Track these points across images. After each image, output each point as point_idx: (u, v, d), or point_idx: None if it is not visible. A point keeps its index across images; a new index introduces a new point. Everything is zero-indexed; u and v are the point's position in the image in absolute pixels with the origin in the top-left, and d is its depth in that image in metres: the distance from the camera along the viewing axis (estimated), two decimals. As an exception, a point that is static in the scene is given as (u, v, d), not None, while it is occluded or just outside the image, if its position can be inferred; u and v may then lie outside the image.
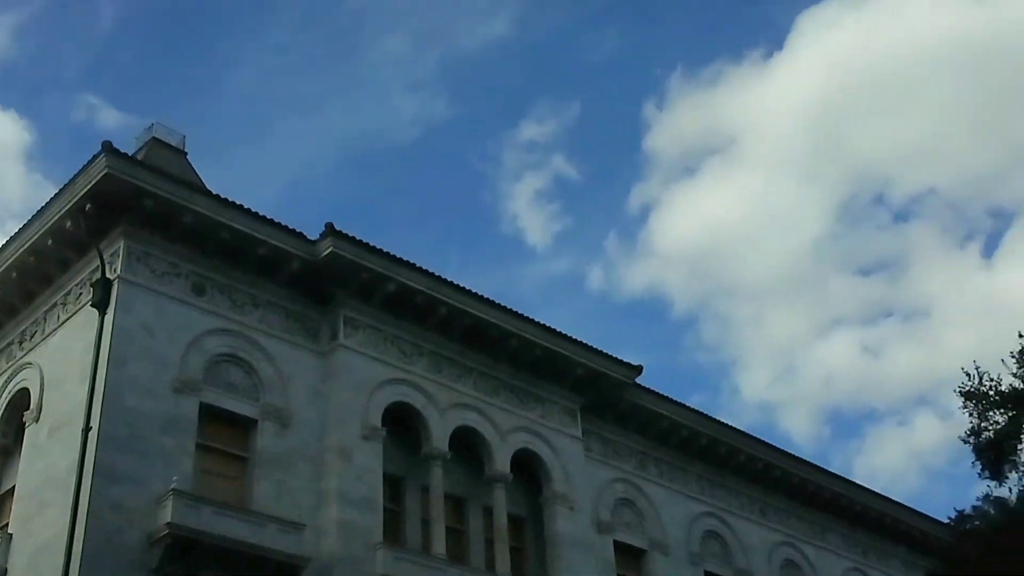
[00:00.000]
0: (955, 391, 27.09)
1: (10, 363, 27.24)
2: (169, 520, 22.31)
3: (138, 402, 23.71)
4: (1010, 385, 26.29)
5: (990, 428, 26.25)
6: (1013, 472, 26.53)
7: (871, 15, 79.40)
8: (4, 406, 26.63)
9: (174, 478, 22.99)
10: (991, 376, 26.74)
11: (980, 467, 27.00)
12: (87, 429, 22.96)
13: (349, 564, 25.03)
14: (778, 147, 78.14)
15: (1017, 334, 26.69)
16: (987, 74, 75.49)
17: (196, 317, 25.70)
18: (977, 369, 26.97)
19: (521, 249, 77.99)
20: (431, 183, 78.72)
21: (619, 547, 32.82)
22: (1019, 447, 25.99)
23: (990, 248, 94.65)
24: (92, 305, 24.58)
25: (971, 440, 26.85)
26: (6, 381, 26.92)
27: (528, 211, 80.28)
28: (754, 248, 79.76)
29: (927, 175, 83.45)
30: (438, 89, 79.41)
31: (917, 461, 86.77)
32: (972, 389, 26.86)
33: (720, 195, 79.07)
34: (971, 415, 26.79)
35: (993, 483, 27.25)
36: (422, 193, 77.43)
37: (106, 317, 24.29)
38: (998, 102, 76.64)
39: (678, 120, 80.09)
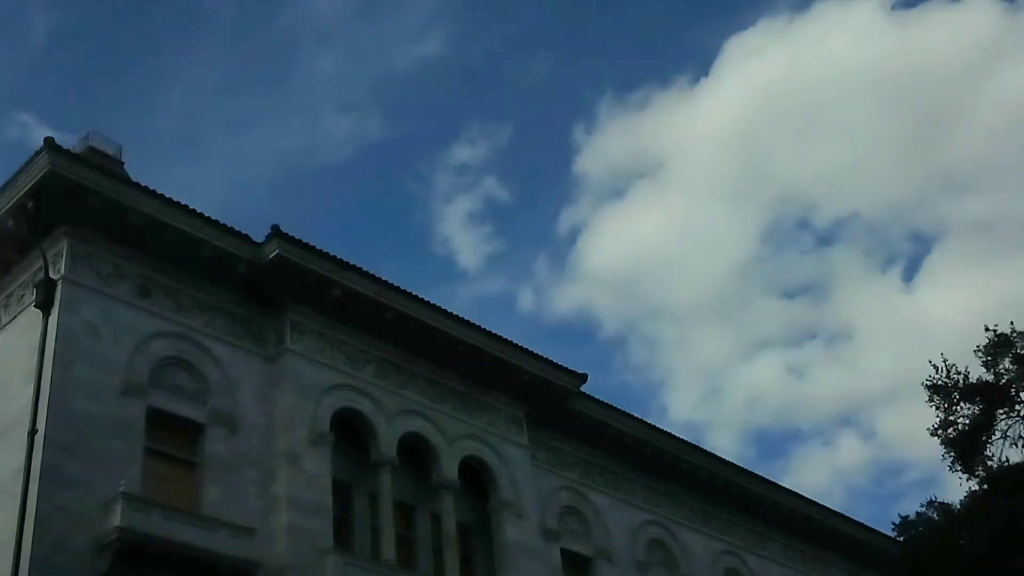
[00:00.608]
0: (923, 384, 27.46)
1: (-51, 368, 26.34)
2: (118, 524, 21.71)
3: (85, 405, 23.08)
4: (979, 378, 26.68)
5: (959, 420, 26.60)
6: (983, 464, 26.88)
7: (795, 42, 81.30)
8: (-58, 412, 25.70)
9: (123, 482, 22.38)
10: (959, 369, 27.16)
11: (951, 459, 27.31)
12: (33, 432, 22.27)
13: (300, 570, 24.59)
14: (704, 171, 79.56)
15: (983, 327, 27.25)
16: (908, 101, 77.70)
17: (142, 319, 25.13)
18: (945, 362, 27.37)
19: (453, 270, 78.02)
20: (364, 203, 78.70)
21: (566, 555, 32.73)
22: (992, 438, 26.36)
23: (910, 272, 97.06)
24: (36, 306, 23.88)
25: (940, 433, 27.18)
26: (-56, 386, 26.01)
27: (460, 232, 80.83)
28: (681, 270, 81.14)
29: (850, 199, 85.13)
30: (370, 109, 79.37)
31: (841, 479, 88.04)
32: (940, 382, 27.24)
33: (648, 218, 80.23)
34: (938, 408, 27.14)
35: (964, 475, 27.52)
36: (355, 213, 77.06)
37: (50, 318, 23.63)
38: (919, 128, 78.92)
39: (607, 143, 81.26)
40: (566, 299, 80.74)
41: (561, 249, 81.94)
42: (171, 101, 75.08)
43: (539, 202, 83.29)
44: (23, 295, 25.08)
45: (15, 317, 25.00)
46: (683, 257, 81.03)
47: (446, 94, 79.91)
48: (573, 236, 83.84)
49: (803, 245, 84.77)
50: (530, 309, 79.08)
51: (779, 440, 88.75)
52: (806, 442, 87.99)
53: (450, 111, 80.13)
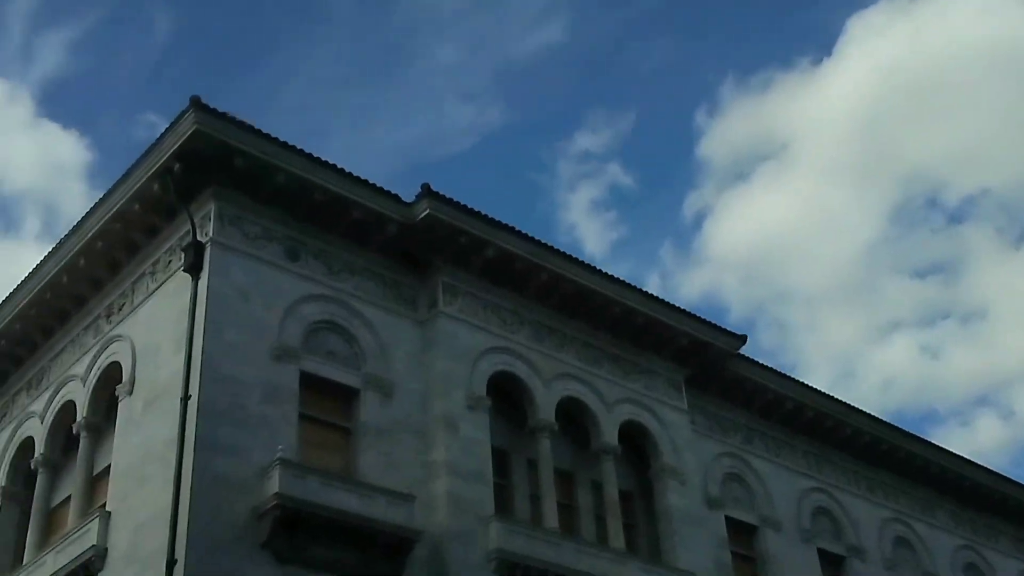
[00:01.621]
0: None
1: (97, 338, 26.08)
2: (277, 491, 20.96)
3: (237, 370, 22.40)
4: None
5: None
6: None
7: (919, 20, 78.55)
8: (94, 382, 25.41)
9: (279, 448, 21.66)
10: None
11: None
12: (186, 399, 21.66)
13: (461, 537, 23.60)
14: (830, 152, 77.43)
15: None
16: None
17: (292, 283, 24.38)
18: None
19: (580, 258, 77.13)
20: (487, 192, 78.59)
21: (730, 523, 31.19)
22: None
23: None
24: (184, 270, 23.30)
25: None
26: (95, 357, 25.74)
27: (585, 220, 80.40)
28: (809, 253, 79.83)
29: (980, 177, 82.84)
30: (491, 98, 78.75)
31: (980, 461, 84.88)
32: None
33: (773, 201, 78.54)
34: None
35: None
36: (478, 202, 76.29)
37: (199, 283, 23.01)
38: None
39: (730, 127, 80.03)
40: (693, 284, 79.79)
41: (686, 234, 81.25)
42: (292, 97, 75.65)
43: (663, 188, 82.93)
44: (170, 261, 24.58)
45: (163, 283, 24.49)
46: (811, 239, 79.47)
47: (567, 81, 79.29)
48: (698, 221, 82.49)
49: (933, 224, 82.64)
50: (657, 295, 77.73)
51: (915, 422, 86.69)
52: (943, 423, 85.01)
53: (571, 98, 79.66)
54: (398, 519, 22.46)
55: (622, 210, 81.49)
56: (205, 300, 22.61)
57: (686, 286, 79.71)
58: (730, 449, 32.69)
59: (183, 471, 20.87)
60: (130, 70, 78.35)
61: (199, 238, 23.45)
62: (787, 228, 77.94)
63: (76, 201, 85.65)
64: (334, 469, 22.99)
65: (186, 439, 21.19)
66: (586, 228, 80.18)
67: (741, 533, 31.62)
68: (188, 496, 20.52)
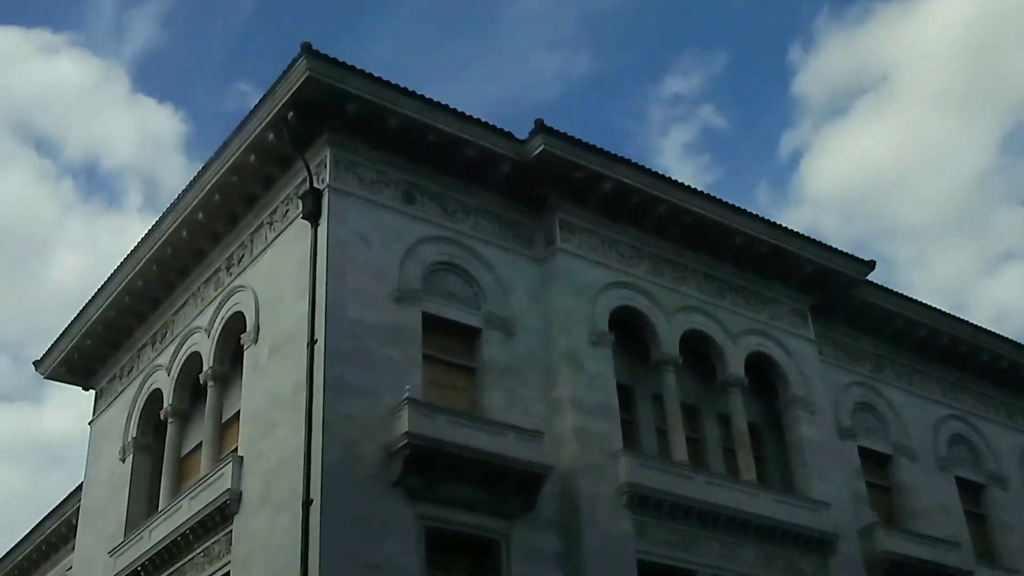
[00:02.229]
0: None
1: (219, 290, 26.38)
2: (407, 430, 20.95)
3: (361, 313, 22.41)
4: None
5: None
6: None
7: None
8: (219, 333, 25.75)
9: (407, 388, 21.63)
10: None
11: None
12: (312, 343, 21.75)
13: (590, 472, 23.36)
14: (933, 81, 74.35)
15: None
16: None
17: (409, 225, 24.27)
18: None
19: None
20: (578, 140, 77.30)
21: (863, 453, 30.43)
22: None
23: None
24: (303, 218, 23.34)
25: None
26: (217, 308, 26.06)
27: (678, 164, 78.85)
28: (913, 186, 77.06)
29: None
30: (579, 45, 77.66)
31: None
32: None
33: (874, 135, 75.71)
34: None
35: None
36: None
37: (319, 229, 23.04)
38: None
39: (826, 61, 77.22)
40: (792, 223, 77.25)
41: (783, 173, 79.51)
42: (381, 56, 75.62)
43: (758, 127, 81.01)
44: (287, 210, 24.66)
45: (281, 233, 24.59)
46: (915, 172, 76.63)
47: (655, 24, 77.83)
48: (795, 159, 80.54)
49: None
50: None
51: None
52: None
53: (660, 41, 78.19)
54: (527, 455, 22.30)
55: (716, 152, 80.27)
56: (326, 246, 22.61)
57: (786, 225, 78.55)
58: (860, 378, 31.86)
59: (313, 414, 20.98)
60: (218, 41, 79.41)
61: (316, 185, 23.43)
62: (889, 162, 75.47)
63: (175, 173, 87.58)
64: (460, 408, 22.83)
65: (314, 382, 21.27)
66: (679, 172, 79.28)
67: (875, 463, 30.87)
68: (319, 438, 20.63)
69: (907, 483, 30.99)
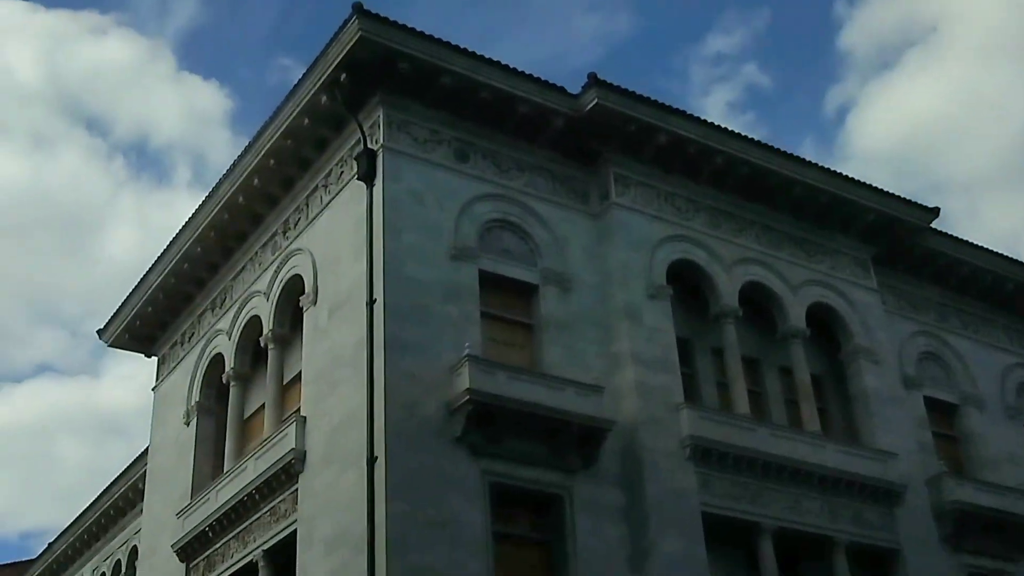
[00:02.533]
0: None
1: (276, 254, 26.52)
2: (468, 387, 20.96)
3: (418, 271, 22.42)
4: None
5: None
6: None
7: None
8: (278, 296, 25.91)
9: (467, 344, 21.65)
10: None
11: None
12: (371, 302, 21.81)
13: (651, 426, 23.25)
14: (982, 32, 72.66)
15: None
16: None
17: (463, 183, 24.20)
18: None
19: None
20: (620, 102, 76.47)
21: (929, 403, 30.00)
22: None
23: None
24: (358, 179, 23.36)
25: None
26: (276, 271, 26.21)
27: (722, 123, 77.31)
28: (964, 139, 75.53)
29: None
30: (618, 5, 76.64)
31: None
32: None
33: (922, 88, 74.78)
34: None
35: None
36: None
37: (374, 189, 23.04)
38: None
39: (872, 14, 75.95)
40: None
41: (829, 130, 78.81)
42: (420, 21, 75.09)
43: (802, 84, 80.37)
44: (341, 172, 24.68)
45: (336, 195, 24.63)
46: (965, 125, 75.00)
47: None
48: (841, 115, 79.65)
49: None
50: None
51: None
52: None
53: (701, 0, 76.90)
54: (587, 410, 22.26)
55: (760, 110, 79.68)
56: (382, 206, 22.62)
57: (832, 182, 77.62)
58: (924, 328, 31.40)
59: (374, 372, 21.06)
60: (260, 16, 79.70)
61: (370, 146, 23.39)
62: (939, 115, 74.26)
63: (221, 148, 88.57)
64: (518, 365, 22.82)
65: (375, 341, 21.34)
66: (724, 131, 78.17)
67: (941, 413, 30.44)
68: (381, 395, 20.70)
69: (975, 432, 30.57)
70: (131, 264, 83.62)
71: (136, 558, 34.18)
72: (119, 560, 36.37)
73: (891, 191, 29.71)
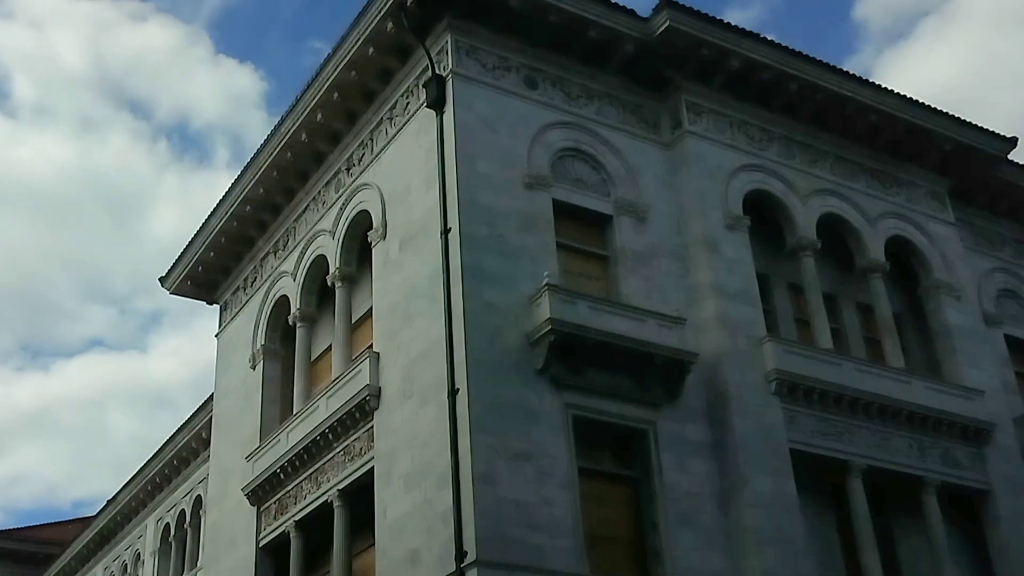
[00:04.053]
0: None
1: (340, 191, 25.85)
2: (549, 316, 20.24)
3: (493, 200, 21.66)
4: None
5: None
6: None
7: None
8: (344, 233, 25.25)
9: (546, 274, 20.92)
10: None
11: None
12: (446, 232, 21.09)
13: (736, 359, 22.46)
14: (997, 0, 71.64)
15: None
16: None
17: (533, 111, 23.39)
18: None
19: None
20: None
21: (1009, 342, 29.03)
22: None
23: None
24: (428, 106, 22.59)
25: None
26: (341, 209, 25.55)
27: None
28: (981, 107, 73.84)
29: None
30: None
31: None
32: None
33: (938, 57, 73.54)
34: None
35: None
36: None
37: (444, 116, 22.27)
38: None
39: None
40: None
41: None
42: None
43: (818, 55, 77.65)
44: (407, 103, 23.95)
45: (403, 126, 23.89)
46: (982, 92, 73.38)
47: None
48: None
49: None
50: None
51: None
52: None
53: None
54: (670, 341, 21.51)
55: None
56: (453, 133, 21.85)
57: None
58: (1002, 264, 30.43)
59: (452, 303, 20.37)
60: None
61: (438, 72, 22.61)
62: (955, 83, 72.73)
63: (257, 129, 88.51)
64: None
65: (451, 271, 20.65)
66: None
67: (1021, 352, 29.46)
68: (461, 326, 20.00)
69: (1055, 372, 29.58)
70: (176, 242, 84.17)
71: (201, 507, 33.88)
72: (183, 510, 36.06)
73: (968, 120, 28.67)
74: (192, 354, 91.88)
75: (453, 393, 19.57)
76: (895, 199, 27.77)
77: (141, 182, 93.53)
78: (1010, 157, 29.80)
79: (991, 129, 29.07)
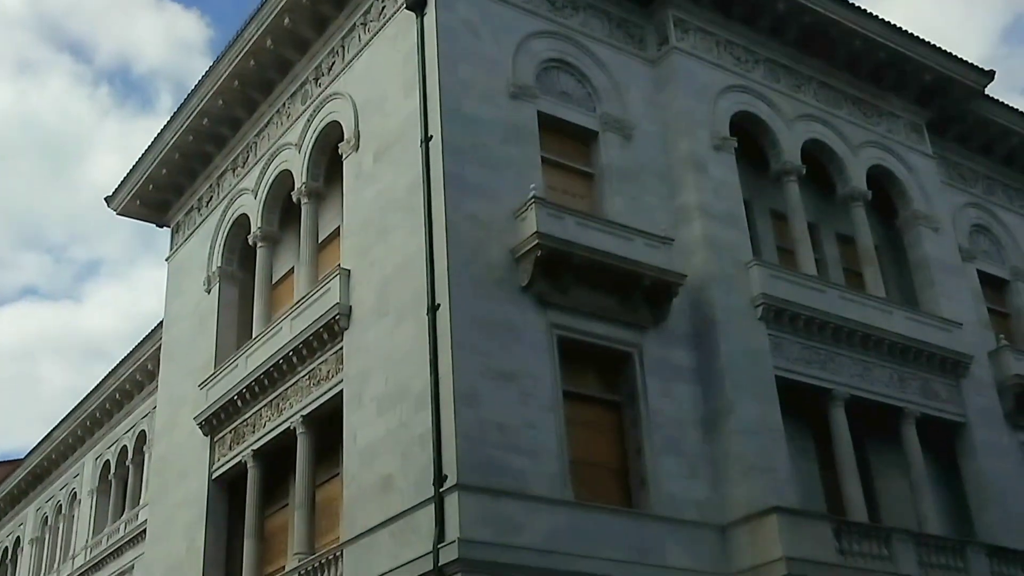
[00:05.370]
0: None
1: (307, 103, 24.44)
2: (536, 230, 19.15)
3: (476, 108, 20.45)
4: None
5: None
6: None
7: None
8: (311, 146, 23.87)
9: (532, 187, 19.81)
10: None
11: None
12: (427, 140, 19.85)
13: (722, 282, 21.59)
14: None
15: None
16: None
17: (518, 17, 22.16)
18: None
19: None
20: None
21: (981, 277, 28.56)
22: None
23: None
24: (407, 8, 21.27)
25: None
26: (308, 120, 24.13)
27: None
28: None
29: None
30: None
31: None
32: None
33: None
34: None
35: None
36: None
37: (426, 18, 20.94)
38: None
39: None
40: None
41: None
42: None
43: None
44: (383, 6, 22.64)
45: (378, 32, 22.56)
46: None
47: None
48: None
49: None
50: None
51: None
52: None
53: None
54: (658, 262, 20.57)
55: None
56: (435, 35, 20.56)
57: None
58: (974, 199, 29.94)
59: (433, 214, 19.19)
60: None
61: (417, -28, 21.26)
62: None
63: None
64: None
65: (432, 181, 19.44)
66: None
67: (992, 288, 29.05)
68: (442, 239, 18.84)
69: (1025, 309, 29.23)
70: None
71: (144, 443, 32.46)
72: (125, 446, 34.57)
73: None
74: (129, 305, 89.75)
75: (433, 309, 18.44)
76: (876, 128, 27.05)
77: (80, 127, 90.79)
78: (987, 92, 29.12)
79: (970, 61, 28.41)
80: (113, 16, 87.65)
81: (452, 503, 16.90)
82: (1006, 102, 30.45)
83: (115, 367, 34.32)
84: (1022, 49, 76.19)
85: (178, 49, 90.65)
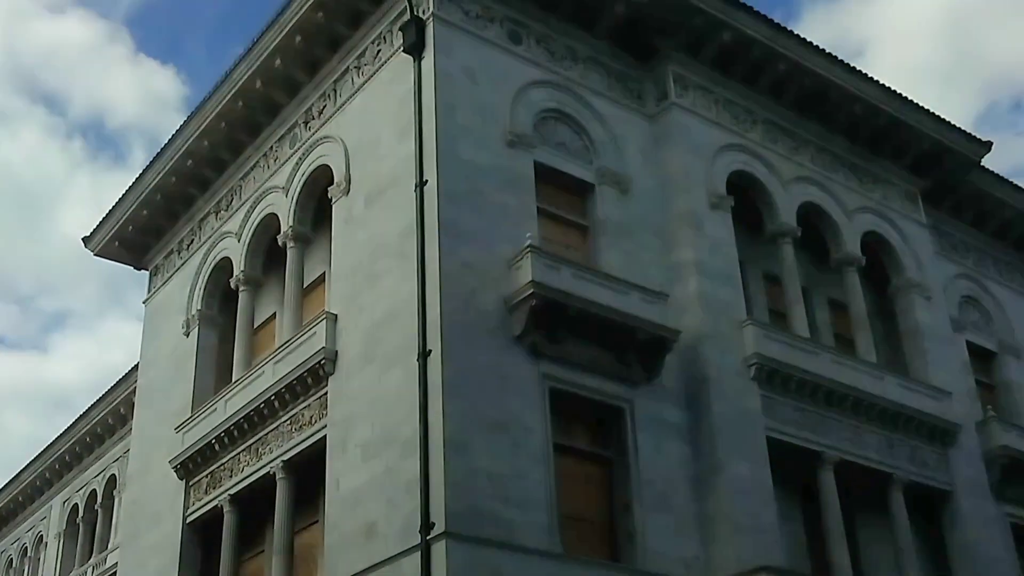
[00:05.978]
0: None
1: (296, 146, 23.98)
2: (531, 279, 18.70)
3: (473, 154, 20.06)
4: None
5: None
6: None
7: None
8: (299, 190, 23.39)
9: (528, 235, 19.39)
10: None
11: None
12: (421, 184, 19.42)
13: (716, 341, 21.19)
14: (909, 57, 74.13)
15: None
16: None
17: (517, 66, 21.86)
18: None
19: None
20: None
21: (970, 348, 28.31)
22: None
23: None
24: (405, 51, 20.93)
25: None
26: (297, 164, 23.67)
27: None
28: None
29: None
30: None
31: None
32: None
33: None
34: None
35: None
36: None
37: (424, 62, 20.61)
38: None
39: (805, 33, 75.29)
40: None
41: None
42: None
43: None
44: (379, 50, 22.28)
45: (373, 75, 22.19)
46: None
47: None
48: None
49: (1020, 128, 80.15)
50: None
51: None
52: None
53: None
54: (654, 317, 20.13)
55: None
56: (432, 79, 20.21)
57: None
58: (965, 271, 29.79)
59: (427, 260, 18.71)
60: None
61: (417, 15, 20.99)
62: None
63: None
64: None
65: (426, 226, 18.98)
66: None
67: (979, 359, 28.82)
68: (436, 285, 18.34)
69: (1012, 382, 29.04)
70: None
71: (114, 487, 31.56)
72: (94, 490, 33.63)
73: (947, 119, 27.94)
74: (95, 357, 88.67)
75: (424, 355, 17.89)
76: (871, 195, 26.89)
77: (52, 179, 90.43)
78: (984, 164, 29.11)
79: (966, 130, 28.42)
80: (89, 69, 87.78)
81: (439, 551, 16.31)
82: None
83: (86, 410, 33.52)
84: (995, 136, 76.79)
85: (153, 104, 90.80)
